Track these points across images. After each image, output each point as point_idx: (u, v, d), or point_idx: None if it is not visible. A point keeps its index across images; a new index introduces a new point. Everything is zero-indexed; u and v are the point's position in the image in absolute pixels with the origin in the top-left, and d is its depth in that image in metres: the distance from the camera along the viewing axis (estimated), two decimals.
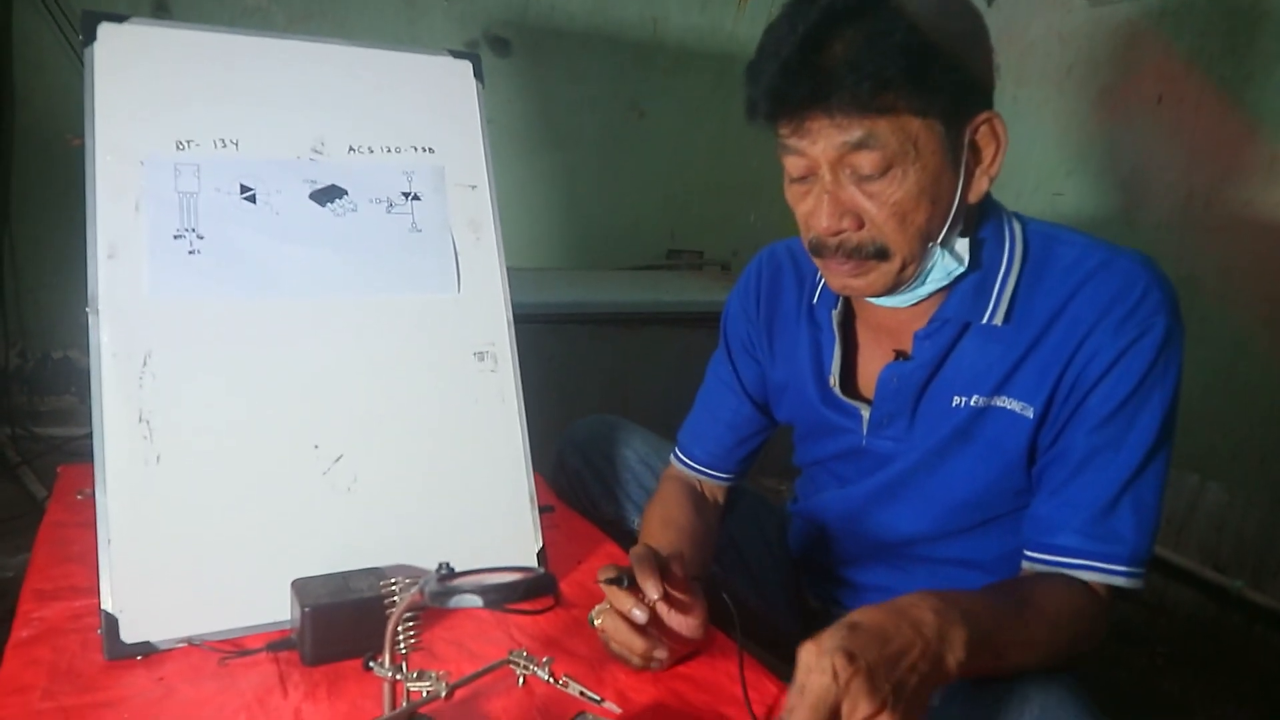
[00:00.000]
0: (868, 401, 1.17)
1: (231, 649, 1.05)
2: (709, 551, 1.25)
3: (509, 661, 0.88)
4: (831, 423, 1.22)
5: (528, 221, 3.20)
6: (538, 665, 0.87)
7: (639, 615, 0.96)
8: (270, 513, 1.13)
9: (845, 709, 0.74)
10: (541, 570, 0.72)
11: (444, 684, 0.81)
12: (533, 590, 0.70)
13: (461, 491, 1.23)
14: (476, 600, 0.68)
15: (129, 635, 1.03)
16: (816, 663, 0.75)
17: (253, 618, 1.09)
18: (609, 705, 0.85)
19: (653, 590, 0.95)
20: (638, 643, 0.98)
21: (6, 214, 2.59)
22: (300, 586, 1.05)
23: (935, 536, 1.20)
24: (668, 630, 0.99)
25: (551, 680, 0.86)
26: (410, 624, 0.85)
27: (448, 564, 0.78)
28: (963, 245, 1.05)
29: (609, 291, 2.83)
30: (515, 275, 1.35)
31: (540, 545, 1.25)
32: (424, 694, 0.82)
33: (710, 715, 0.96)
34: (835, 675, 0.74)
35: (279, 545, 1.12)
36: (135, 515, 1.07)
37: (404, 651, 0.85)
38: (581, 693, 0.86)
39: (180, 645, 1.05)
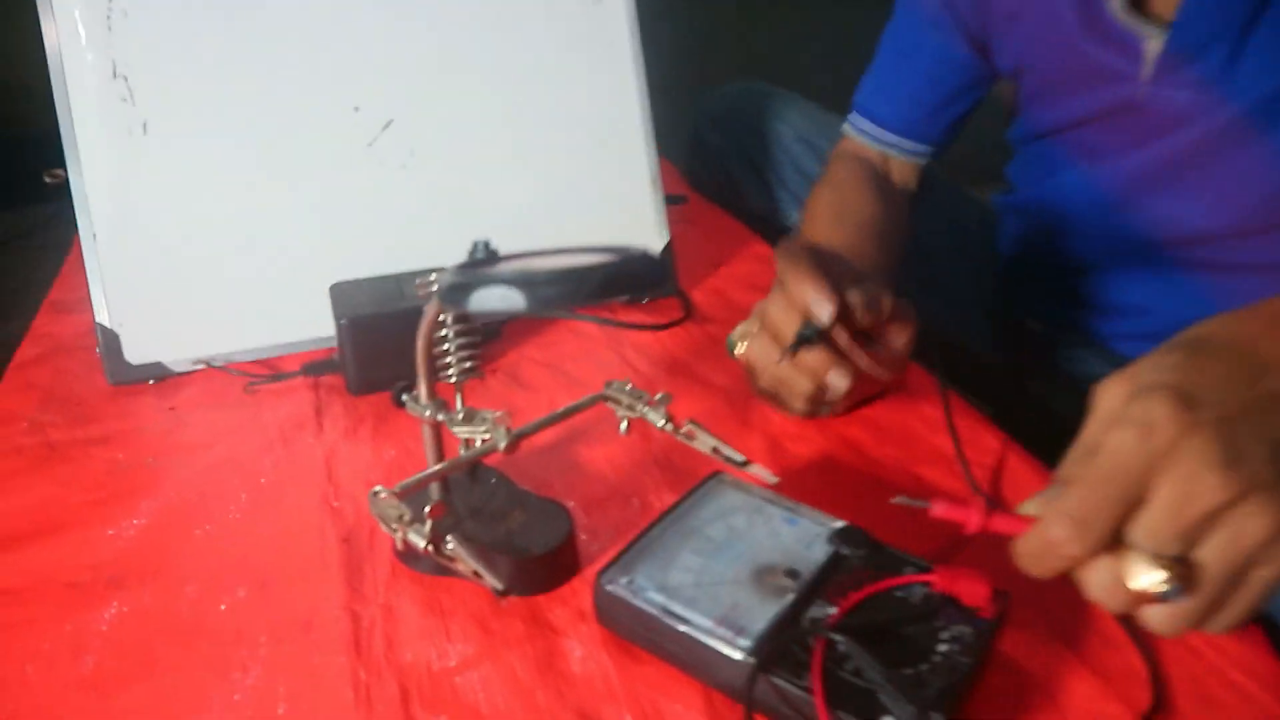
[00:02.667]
0: (1161, 25, 0.74)
1: (262, 373, 0.81)
2: (897, 255, 0.89)
3: (605, 397, 0.58)
4: (1093, 63, 0.80)
5: None
6: (647, 404, 0.57)
7: (838, 381, 0.64)
8: (301, 198, 0.85)
9: (1171, 488, 0.40)
10: (639, 250, 0.38)
11: (502, 429, 0.53)
12: (619, 280, 0.38)
13: (554, 167, 0.91)
14: (516, 298, 0.37)
15: (134, 354, 0.80)
16: (1125, 409, 0.41)
17: (288, 335, 0.84)
18: (758, 469, 0.56)
19: (822, 308, 0.61)
20: (801, 382, 0.66)
21: None
22: (340, 293, 0.77)
23: (1235, 234, 0.81)
24: (843, 363, 0.66)
25: (669, 428, 0.57)
26: (465, 342, 0.57)
27: (485, 243, 0.46)
28: None
29: None
30: None
31: (666, 240, 0.93)
32: (478, 442, 0.54)
33: (901, 478, 0.65)
34: (1154, 430, 0.40)
35: (316, 240, 0.85)
36: (125, 202, 0.80)
37: (455, 379, 0.57)
38: (715, 449, 0.56)
39: (199, 368, 0.81)
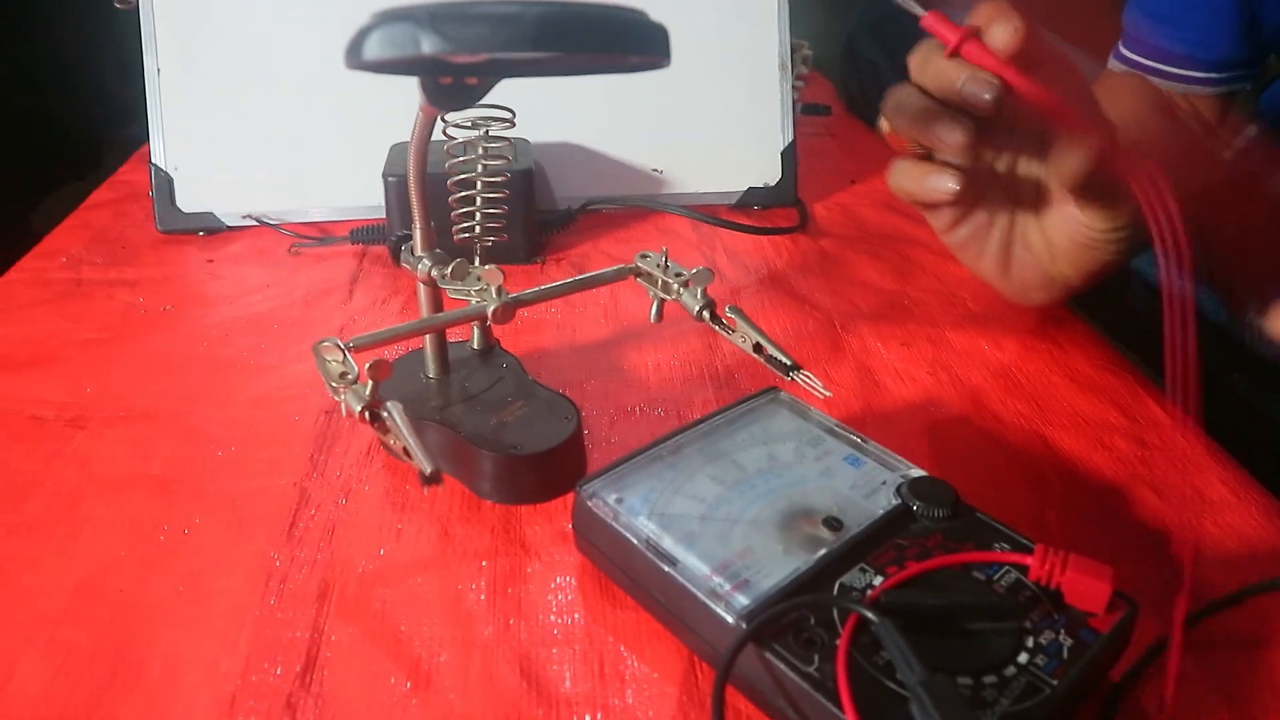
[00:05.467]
0: None
1: (315, 235, 0.73)
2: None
3: (635, 271, 0.46)
4: None
5: None
6: (681, 285, 0.44)
7: (944, 185, 0.47)
8: None
9: None
10: (634, 11, 0.25)
11: (493, 290, 0.42)
12: (582, 31, 0.25)
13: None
14: (424, 40, 0.25)
15: (187, 201, 0.74)
16: None
17: (347, 200, 0.76)
18: (808, 378, 0.42)
19: (1002, 32, 0.43)
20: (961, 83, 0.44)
21: None
22: (398, 152, 0.68)
23: None
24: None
25: (706, 315, 0.44)
26: (493, 198, 0.46)
27: None
28: None
29: None
30: None
31: (789, 141, 0.79)
32: (470, 301, 0.43)
33: (1025, 440, 0.50)
34: None
35: (383, 100, 0.75)
36: (192, 41, 0.74)
37: (475, 235, 0.47)
38: (757, 346, 0.43)
39: (250, 224, 0.74)
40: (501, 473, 0.43)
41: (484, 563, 0.40)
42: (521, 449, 0.43)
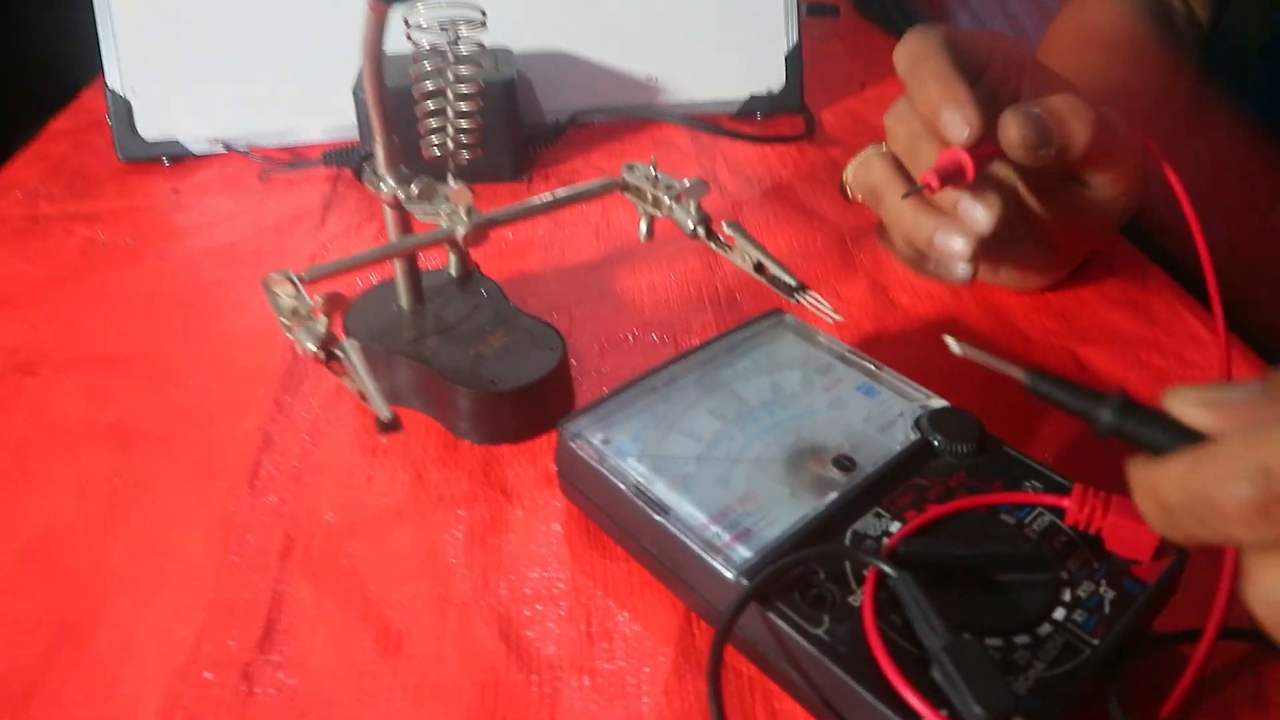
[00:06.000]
0: None
1: (287, 159, 0.69)
2: (1172, 95, 0.63)
3: (622, 185, 0.41)
4: None
5: None
6: (673, 199, 0.40)
7: (983, 217, 0.40)
8: None
9: None
10: None
11: (462, 210, 0.37)
12: None
13: None
14: None
15: (148, 128, 0.69)
16: None
17: (322, 120, 0.70)
18: (815, 299, 0.38)
19: (955, 121, 0.40)
20: (925, 222, 0.41)
21: None
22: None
23: None
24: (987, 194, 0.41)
25: (700, 232, 0.39)
26: (468, 109, 0.41)
27: None
28: None
29: None
30: None
31: (793, 44, 0.73)
32: (440, 223, 0.39)
33: (1057, 359, 0.46)
34: None
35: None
36: None
37: (448, 152, 0.42)
38: (759, 265, 0.39)
39: (218, 150, 0.69)
40: (479, 410, 0.40)
41: (461, 511, 0.37)
42: (501, 383, 0.39)
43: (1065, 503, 0.29)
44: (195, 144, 0.69)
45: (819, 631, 0.27)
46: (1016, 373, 0.26)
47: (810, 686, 0.27)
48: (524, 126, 0.65)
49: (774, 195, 0.61)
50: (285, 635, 0.32)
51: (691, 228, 0.38)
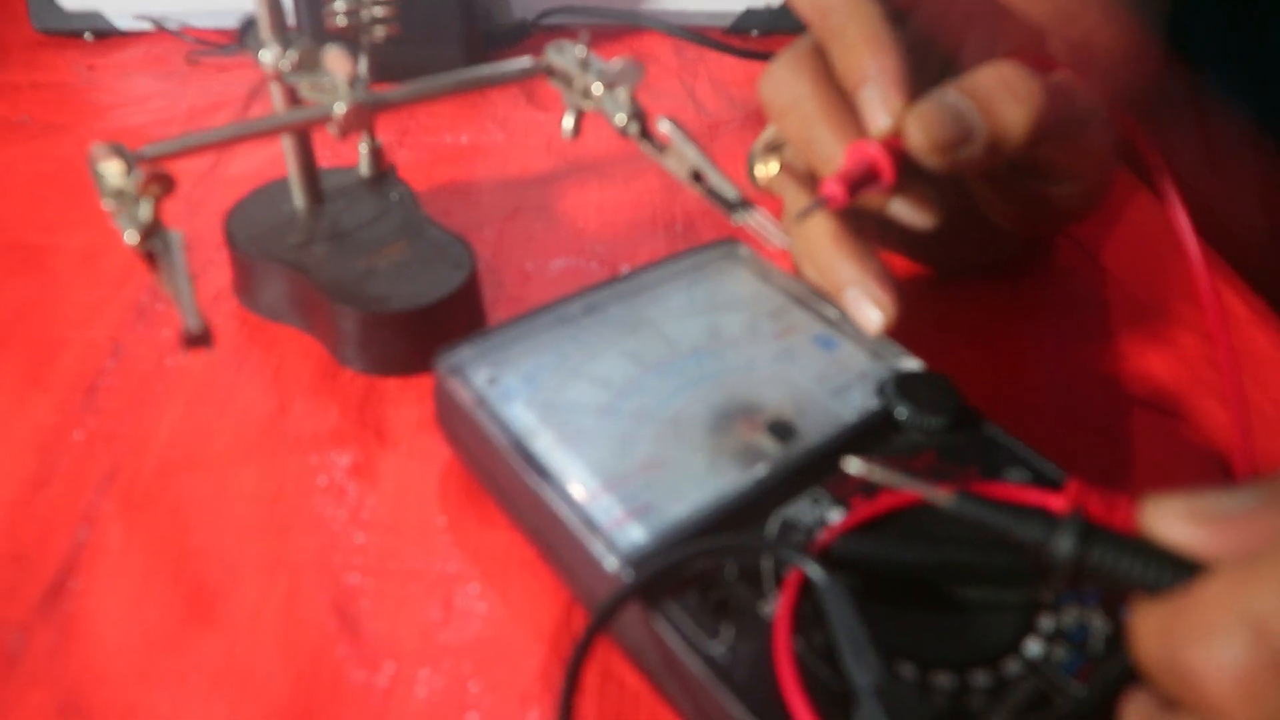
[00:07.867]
0: None
1: (218, 44, 0.61)
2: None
3: (547, 69, 0.34)
4: None
5: None
6: (606, 87, 0.32)
7: (906, 214, 0.29)
8: None
9: None
10: None
11: (343, 82, 0.30)
12: None
13: None
14: None
15: None
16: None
17: None
18: (761, 219, 0.30)
19: (875, 108, 0.28)
20: (839, 269, 0.29)
21: None
22: None
23: None
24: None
25: (633, 128, 0.32)
26: None
27: None
28: None
29: None
30: None
31: None
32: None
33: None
34: None
35: None
36: None
37: (358, 24, 0.34)
38: (696, 174, 0.31)
39: (147, 29, 0.62)
40: (361, 332, 0.33)
41: (323, 453, 0.30)
42: (388, 303, 0.33)
43: (1056, 500, 0.23)
44: (121, 19, 0.62)
45: (715, 647, 0.20)
46: (941, 497, 0.20)
47: (696, 715, 0.21)
48: (483, 24, 0.58)
49: (757, 120, 0.54)
50: (76, 593, 0.26)
51: (623, 121, 0.31)
